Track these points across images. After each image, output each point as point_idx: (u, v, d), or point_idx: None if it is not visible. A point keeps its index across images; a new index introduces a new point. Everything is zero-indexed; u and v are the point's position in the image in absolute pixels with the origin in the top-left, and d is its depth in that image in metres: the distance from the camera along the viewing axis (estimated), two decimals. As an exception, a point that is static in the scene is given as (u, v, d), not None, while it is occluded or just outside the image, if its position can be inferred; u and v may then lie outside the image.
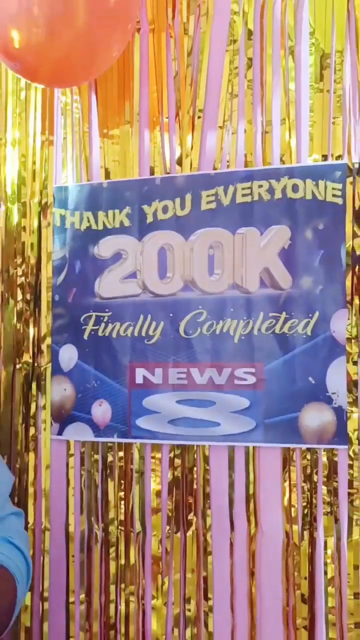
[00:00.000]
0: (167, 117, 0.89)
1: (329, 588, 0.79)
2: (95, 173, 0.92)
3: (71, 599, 0.88)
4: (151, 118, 0.89)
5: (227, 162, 0.86)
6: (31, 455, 0.91)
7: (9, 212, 0.95)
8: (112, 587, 0.87)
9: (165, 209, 0.87)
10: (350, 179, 0.80)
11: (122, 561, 0.86)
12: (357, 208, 0.80)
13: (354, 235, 0.80)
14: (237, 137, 0.85)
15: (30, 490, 0.91)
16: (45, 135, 0.94)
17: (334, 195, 0.81)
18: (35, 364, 0.92)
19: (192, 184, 0.86)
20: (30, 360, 0.92)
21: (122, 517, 0.87)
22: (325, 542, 0.79)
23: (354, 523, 0.78)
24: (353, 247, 0.80)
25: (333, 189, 0.81)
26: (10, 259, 0.94)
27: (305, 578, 0.80)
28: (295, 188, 0.82)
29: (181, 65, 0.88)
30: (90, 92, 0.92)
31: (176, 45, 0.89)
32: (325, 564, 0.79)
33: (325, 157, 0.82)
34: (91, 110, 0.92)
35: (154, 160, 0.89)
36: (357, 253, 0.80)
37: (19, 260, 0.94)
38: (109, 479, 0.88)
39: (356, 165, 0.81)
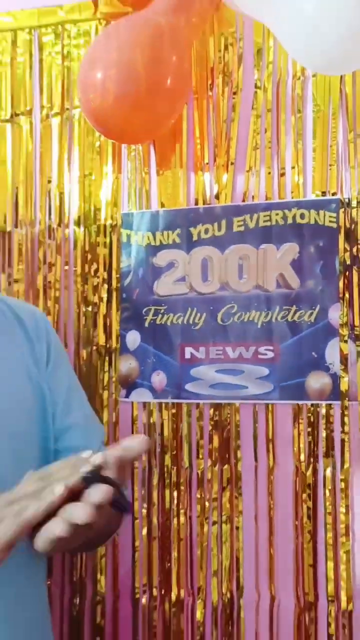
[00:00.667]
0: (207, 163, 1.20)
1: (327, 504, 1.09)
2: (153, 203, 1.23)
3: (136, 519, 1.19)
4: (195, 163, 1.21)
5: (252, 196, 1.17)
6: (105, 413, 1.22)
7: (89, 232, 1.26)
8: (167, 509, 1.17)
9: (206, 231, 1.19)
10: (342, 210, 1.12)
11: (175, 490, 1.17)
12: (347, 230, 1.11)
13: (345, 250, 1.11)
14: (260, 179, 1.17)
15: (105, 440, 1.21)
16: (114, 174, 1.26)
17: (330, 221, 1.12)
18: (108, 345, 1.23)
19: (226, 212, 1.18)
20: (104, 343, 1.24)
21: (174, 456, 1.18)
22: (324, 470, 1.10)
23: (345, 456, 1.09)
24: (344, 258, 1.11)
25: (330, 216, 1.12)
26: (89, 267, 1.26)
27: (309, 496, 1.10)
28: (302, 216, 1.13)
29: (218, 125, 1.20)
30: (149, 144, 1.24)
31: (214, 110, 1.20)
32: (324, 485, 1.10)
33: (324, 194, 1.13)
34: (150, 156, 1.24)
35: (197, 195, 1.20)
36: (347, 263, 1.11)
37: (94, 267, 1.25)
38: (164, 430, 1.19)
39: (346, 200, 1.12)
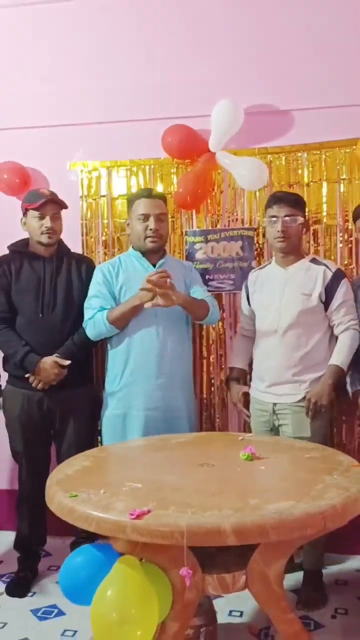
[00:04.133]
0: (213, 214, 3.63)
1: None
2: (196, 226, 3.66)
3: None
4: (207, 214, 3.63)
5: (224, 225, 3.60)
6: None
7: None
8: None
9: (213, 237, 3.62)
10: (255, 232, 3.56)
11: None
12: (257, 239, 3.56)
13: (258, 244, 3.56)
14: (230, 221, 3.60)
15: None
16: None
17: (251, 235, 3.57)
18: None
19: (219, 231, 3.60)
20: None
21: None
22: None
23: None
24: (258, 247, 3.56)
25: (251, 233, 3.57)
26: (172, 249, 3.68)
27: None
28: (243, 233, 3.59)
29: (214, 203, 3.62)
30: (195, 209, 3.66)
31: (214, 199, 3.62)
32: None
33: (250, 226, 3.58)
34: (194, 213, 3.66)
35: (210, 224, 3.63)
36: (258, 248, 3.56)
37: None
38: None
39: (255, 228, 3.56)
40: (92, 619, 1.95)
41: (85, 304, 3.08)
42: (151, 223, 3.02)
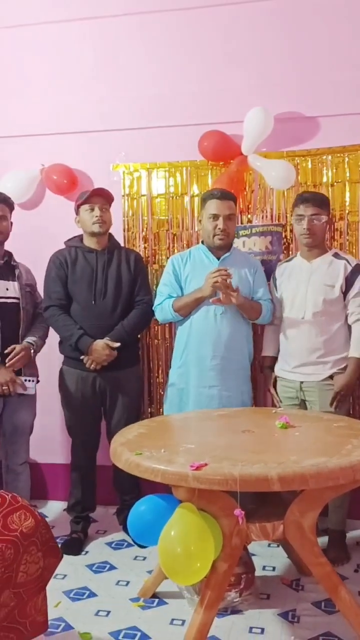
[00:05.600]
0: (243, 211, 3.98)
1: None
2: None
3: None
4: (240, 212, 3.99)
5: (256, 221, 3.95)
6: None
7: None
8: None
9: (244, 232, 3.97)
10: (282, 228, 3.91)
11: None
12: (284, 233, 3.90)
13: (285, 238, 3.91)
14: (259, 217, 3.95)
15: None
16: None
17: (278, 230, 3.92)
18: None
19: (251, 227, 3.95)
20: None
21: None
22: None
23: (284, 296, 3.89)
24: (285, 240, 3.91)
25: (278, 228, 3.92)
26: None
27: None
28: (272, 229, 3.94)
29: (245, 201, 3.97)
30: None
31: (245, 198, 3.97)
32: None
33: (278, 222, 3.93)
34: (226, 209, 4.01)
35: (242, 221, 3.99)
36: (285, 243, 3.91)
37: (208, 244, 4.03)
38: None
39: (283, 223, 3.91)
40: (160, 553, 2.32)
41: (157, 290, 3.53)
42: (220, 223, 3.35)
